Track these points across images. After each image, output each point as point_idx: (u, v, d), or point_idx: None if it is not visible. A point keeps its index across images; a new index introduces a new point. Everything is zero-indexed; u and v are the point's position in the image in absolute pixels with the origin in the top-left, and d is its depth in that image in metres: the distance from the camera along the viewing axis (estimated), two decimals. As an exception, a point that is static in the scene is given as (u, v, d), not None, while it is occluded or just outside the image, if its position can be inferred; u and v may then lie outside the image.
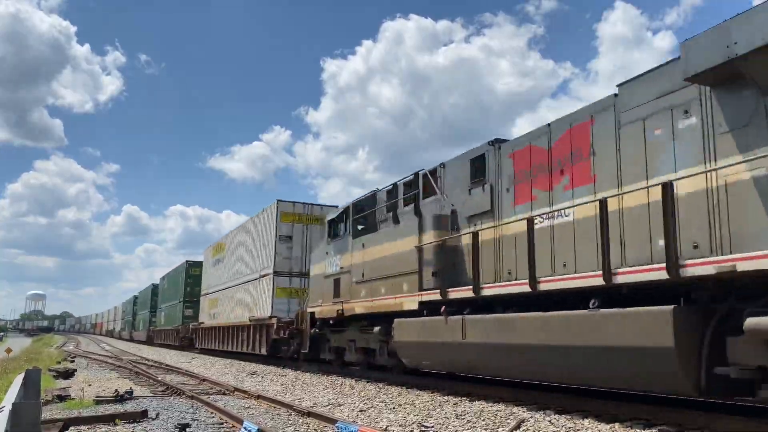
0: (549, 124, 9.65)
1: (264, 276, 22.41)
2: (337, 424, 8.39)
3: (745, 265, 6.03)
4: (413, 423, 8.59)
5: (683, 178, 7.11)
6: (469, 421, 8.47)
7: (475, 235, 10.47)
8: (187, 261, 39.38)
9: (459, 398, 10.53)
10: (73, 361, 26.18)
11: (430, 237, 11.71)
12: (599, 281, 7.77)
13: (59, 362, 24.60)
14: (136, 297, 66.58)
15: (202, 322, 31.98)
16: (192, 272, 38.10)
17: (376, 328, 13.46)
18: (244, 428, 8.36)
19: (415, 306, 11.86)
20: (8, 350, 26.92)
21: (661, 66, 7.82)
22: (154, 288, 53.66)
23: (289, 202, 22.48)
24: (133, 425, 9.06)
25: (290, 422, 9.14)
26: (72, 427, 8.81)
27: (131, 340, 63.29)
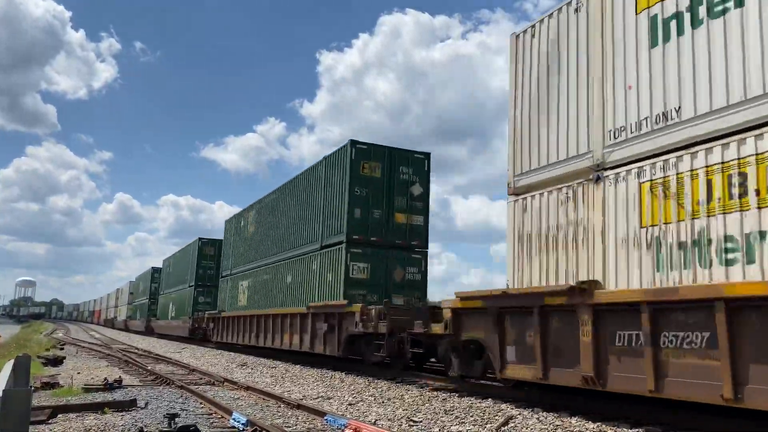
0: None
1: None
2: (326, 417, 8.43)
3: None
4: (402, 417, 8.63)
5: None
6: (457, 417, 8.52)
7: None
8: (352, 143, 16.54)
9: (448, 394, 10.59)
10: (62, 349, 26.11)
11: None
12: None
13: (48, 349, 24.53)
14: (156, 270, 48.08)
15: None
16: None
17: None
18: (233, 419, 8.38)
19: None
20: (-3, 336, 26.76)
21: None
22: (204, 245, 34.15)
23: None
24: (122, 414, 9.06)
25: (279, 414, 9.16)
26: (60, 415, 8.81)
27: (147, 332, 44.11)
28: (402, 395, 10.68)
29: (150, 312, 46.06)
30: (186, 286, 35.39)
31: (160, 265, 47.95)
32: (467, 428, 7.84)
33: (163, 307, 41.83)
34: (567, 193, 8.86)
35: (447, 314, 10.80)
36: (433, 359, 13.49)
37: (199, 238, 34.38)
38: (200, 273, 33.86)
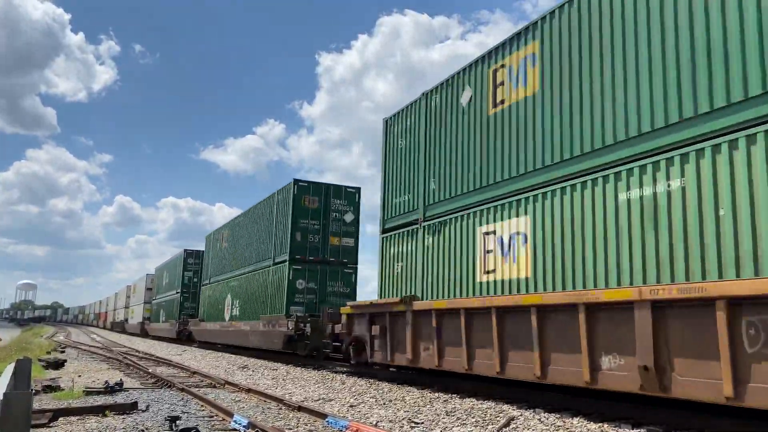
0: None
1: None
2: (327, 419, 8.43)
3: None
4: (403, 419, 8.63)
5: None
6: (458, 418, 8.51)
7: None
8: None
9: (449, 395, 10.58)
10: (63, 352, 26.11)
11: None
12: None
13: (49, 352, 24.52)
14: (191, 253, 34.95)
15: None
16: None
17: None
18: (234, 421, 8.38)
19: None
20: (-2, 339, 26.77)
21: None
22: (302, 192, 19.62)
23: None
24: (123, 417, 9.06)
25: (280, 416, 9.16)
26: (61, 418, 8.81)
27: (182, 340, 31.67)
28: (403, 396, 10.68)
29: (184, 311, 33.36)
30: (270, 263, 21.20)
31: (211, 233, 31.94)
32: (469, 430, 7.84)
33: (213, 303, 28.16)
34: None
35: None
36: None
37: (295, 181, 19.99)
38: (297, 242, 19.57)
